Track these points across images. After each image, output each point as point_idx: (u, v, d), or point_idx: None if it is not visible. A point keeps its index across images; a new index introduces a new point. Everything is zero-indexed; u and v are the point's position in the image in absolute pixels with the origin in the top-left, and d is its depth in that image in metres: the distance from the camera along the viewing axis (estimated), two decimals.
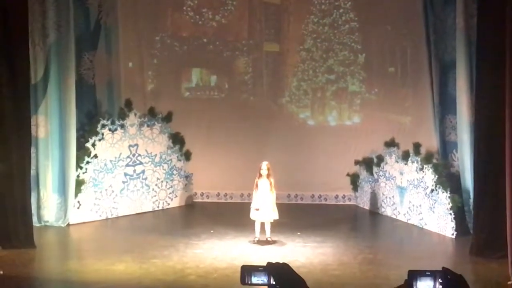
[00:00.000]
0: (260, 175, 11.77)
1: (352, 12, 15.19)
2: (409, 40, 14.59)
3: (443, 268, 3.31)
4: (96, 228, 13.12)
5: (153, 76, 15.58)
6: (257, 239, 11.74)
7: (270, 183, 11.71)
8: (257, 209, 11.68)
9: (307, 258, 10.91)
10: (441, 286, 3.27)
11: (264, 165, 11.80)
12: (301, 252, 11.30)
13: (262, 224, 11.77)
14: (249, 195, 13.96)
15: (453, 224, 12.25)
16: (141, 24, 15.14)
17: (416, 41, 14.10)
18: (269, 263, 3.21)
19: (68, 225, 13.00)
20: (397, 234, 12.98)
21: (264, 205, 11.66)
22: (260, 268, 3.26)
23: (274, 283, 3.26)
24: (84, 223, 13.18)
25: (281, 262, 3.31)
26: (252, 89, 15.76)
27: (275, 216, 11.78)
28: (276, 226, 11.86)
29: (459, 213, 12.28)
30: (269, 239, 11.77)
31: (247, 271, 3.31)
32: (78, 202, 13.24)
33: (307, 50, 15.42)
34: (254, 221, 11.80)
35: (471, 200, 11.84)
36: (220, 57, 15.56)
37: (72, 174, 13.04)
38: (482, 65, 11.02)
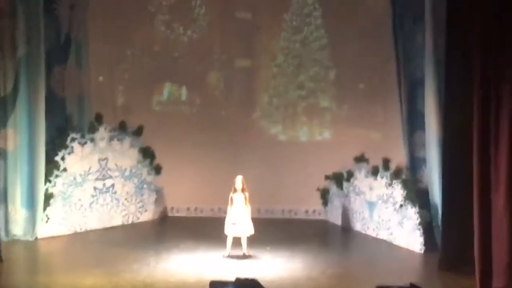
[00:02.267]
0: (235, 190, 11.79)
1: (323, 29, 15.29)
2: (379, 56, 14.69)
3: (410, 283, 3.35)
4: (65, 242, 13.01)
5: (123, 90, 15.51)
6: (228, 254, 11.71)
7: (245, 197, 11.74)
8: (233, 224, 11.68)
9: (276, 273, 10.90)
10: None
11: (239, 179, 11.82)
12: (270, 267, 11.29)
13: (236, 239, 11.75)
14: (220, 209, 13.92)
15: (421, 239, 12.33)
16: (112, 38, 15.07)
17: (385, 58, 14.19)
18: (237, 279, 3.23)
19: (37, 239, 12.90)
20: (366, 249, 13.01)
21: (239, 220, 11.67)
22: (228, 284, 3.27)
23: None
24: (52, 237, 13.07)
25: (250, 277, 3.32)
26: (223, 104, 15.76)
27: (251, 230, 11.79)
28: (246, 240, 11.83)
29: (427, 228, 12.36)
30: (245, 253, 11.76)
31: (216, 287, 3.32)
32: (47, 216, 13.13)
33: (278, 66, 15.47)
34: (226, 236, 11.76)
35: (440, 216, 11.92)
36: (191, 72, 15.54)
37: (41, 187, 12.94)
38: (450, 82, 11.15)
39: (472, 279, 9.99)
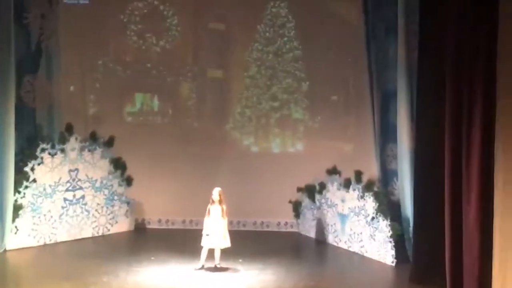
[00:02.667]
0: (213, 201, 11.78)
1: (296, 41, 15.36)
2: (352, 69, 14.79)
3: None
4: (34, 254, 12.88)
5: (95, 100, 15.43)
6: (199, 266, 11.67)
7: (222, 210, 11.73)
8: (207, 235, 11.65)
9: (248, 285, 10.89)
10: None
11: (216, 191, 11.82)
12: (243, 279, 11.28)
13: (211, 251, 11.73)
14: (192, 222, 13.89)
15: (393, 252, 12.38)
16: (84, 48, 15.01)
17: (358, 70, 14.28)
18: None
19: (5, 250, 12.77)
20: (338, 262, 13.03)
21: (214, 232, 11.64)
22: None
23: None
24: (21, 248, 12.95)
25: None
26: (196, 115, 15.75)
27: (227, 243, 11.76)
28: (219, 252, 11.81)
29: (399, 241, 12.42)
30: (217, 265, 11.73)
31: None
32: (16, 227, 13.00)
33: (251, 77, 15.50)
34: (200, 248, 11.72)
35: (411, 228, 11.98)
36: (163, 83, 15.51)
37: (10, 198, 12.81)
38: (422, 95, 11.23)
39: None
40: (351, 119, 14.92)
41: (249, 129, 15.63)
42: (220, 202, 11.77)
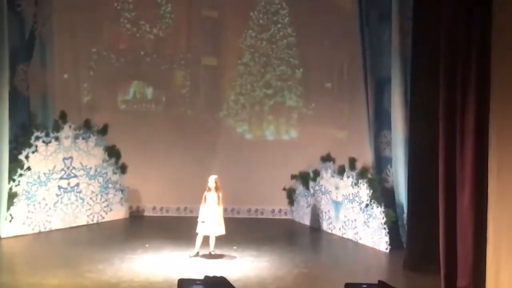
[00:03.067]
0: (209, 189, 11.80)
1: (290, 27, 15.32)
2: (346, 55, 14.76)
3: (379, 281, 3.38)
4: (29, 241, 12.89)
5: (89, 88, 15.38)
6: (194, 253, 11.70)
7: (218, 197, 11.75)
8: (202, 222, 11.68)
9: (243, 272, 10.93)
10: None
11: (212, 178, 11.84)
12: (237, 266, 11.31)
13: (206, 238, 11.75)
14: (186, 209, 13.94)
15: (387, 238, 12.43)
16: (77, 36, 14.93)
17: (352, 57, 14.27)
18: (206, 277, 3.23)
19: (0, 238, 12.75)
20: (332, 249, 13.08)
21: (210, 219, 11.67)
22: (197, 282, 3.27)
23: None
24: (16, 236, 12.94)
25: (218, 275, 3.32)
26: (189, 102, 15.71)
27: (221, 231, 11.78)
28: (214, 239, 11.84)
29: (393, 227, 12.46)
30: (212, 252, 11.77)
31: (184, 284, 3.32)
32: (10, 215, 12.99)
33: (245, 65, 15.46)
34: (195, 235, 11.75)
35: (405, 215, 12.03)
36: (157, 70, 15.46)
37: (5, 186, 12.80)
38: (416, 81, 11.24)
39: (437, 278, 10.08)
40: (345, 106, 14.89)
41: (243, 117, 15.60)
42: (216, 189, 11.79)
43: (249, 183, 14.89)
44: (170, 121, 15.37)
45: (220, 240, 12.02)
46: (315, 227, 14.26)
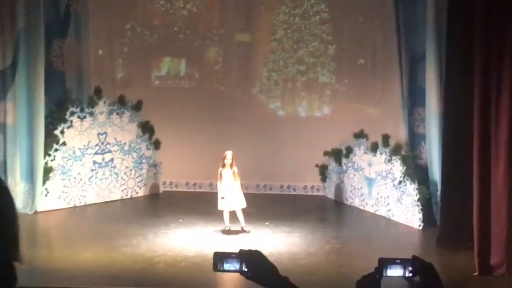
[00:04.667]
0: (224, 165, 11.79)
1: (323, 3, 15.21)
2: (380, 31, 14.66)
3: (412, 256, 3.35)
4: (64, 216, 13.04)
5: (123, 64, 15.49)
6: (227, 228, 11.76)
7: (233, 172, 11.76)
8: (222, 198, 11.72)
9: (275, 248, 10.95)
10: (411, 274, 3.32)
11: (229, 154, 11.82)
12: (269, 242, 11.35)
13: (232, 214, 11.80)
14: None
15: (420, 215, 12.36)
16: (112, 12, 15.02)
17: (386, 32, 14.16)
18: (241, 250, 3.23)
19: (36, 212, 12.91)
20: (364, 225, 13.07)
21: (229, 194, 11.69)
22: (232, 255, 3.27)
23: (246, 269, 3.27)
24: (52, 210, 13.10)
25: (253, 249, 3.32)
26: (222, 79, 15.72)
27: (242, 204, 11.80)
28: (245, 215, 11.88)
29: (426, 204, 12.39)
30: (244, 228, 11.79)
31: (219, 258, 3.32)
32: (46, 189, 13.15)
33: (278, 41, 15.42)
34: (222, 212, 11.82)
35: (438, 192, 11.96)
36: (190, 46, 15.48)
37: (40, 161, 12.95)
38: (451, 57, 11.11)
39: (470, 256, 10.04)
40: (378, 82, 14.83)
41: (276, 93, 15.59)
42: (231, 165, 11.80)
43: (282, 160, 14.90)
44: (203, 97, 15.38)
45: (252, 216, 12.06)
46: (347, 204, 14.26)
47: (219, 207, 11.80)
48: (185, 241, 11.27)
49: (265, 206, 13.27)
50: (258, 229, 11.98)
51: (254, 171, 13.94)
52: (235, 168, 11.77)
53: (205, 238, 11.43)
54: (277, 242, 11.36)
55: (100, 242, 11.07)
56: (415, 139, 13.35)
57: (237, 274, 3.33)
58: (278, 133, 15.11)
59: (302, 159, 14.82)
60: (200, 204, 13.74)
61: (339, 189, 14.58)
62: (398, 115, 13.58)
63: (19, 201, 12.84)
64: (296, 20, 15.35)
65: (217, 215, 12.14)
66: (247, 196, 12.03)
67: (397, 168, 12.88)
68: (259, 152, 14.62)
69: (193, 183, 15.30)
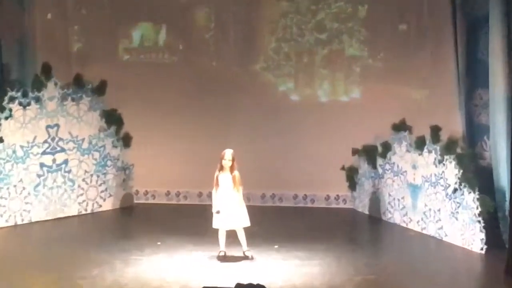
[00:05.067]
0: (222, 168, 11.67)
1: None
2: None
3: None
4: (2, 237, 13.00)
5: (80, 32, 15.46)
6: (223, 253, 11.70)
7: (234, 178, 11.62)
8: (217, 212, 11.63)
9: (287, 280, 10.87)
10: None
11: (228, 154, 11.66)
12: (280, 272, 11.28)
13: (231, 234, 11.72)
14: (210, 195, 13.94)
15: (482, 235, 12.31)
16: None
17: None
18: (239, 285, 3.22)
19: None
20: (408, 248, 13.01)
21: (227, 207, 11.60)
22: None
23: None
24: None
25: (255, 284, 3.32)
26: (215, 51, 15.74)
27: (245, 221, 11.70)
28: (247, 236, 11.82)
29: (490, 220, 12.35)
30: (246, 253, 11.72)
31: None
32: None
33: (290, 0, 15.42)
34: (217, 231, 11.76)
35: (507, 203, 11.93)
36: (172, 8, 15.48)
37: None
38: None
39: None
40: (426, 56, 14.78)
41: (287, 70, 15.63)
42: (232, 168, 11.66)
43: (296, 161, 14.93)
44: (190, 77, 15.42)
45: (256, 236, 11.98)
46: (385, 220, 14.25)
47: (214, 225, 11.73)
48: (165, 271, 11.19)
49: (274, 223, 13.21)
50: (264, 255, 11.90)
51: (259, 176, 13.92)
52: (236, 173, 11.64)
53: (192, 268, 11.36)
54: (290, 272, 11.27)
55: (50, 273, 10.99)
56: (476, 131, 13.37)
57: None
58: (290, 125, 15.16)
59: (323, 160, 14.85)
60: (185, 221, 13.68)
61: (373, 200, 14.57)
62: (453, 99, 13.60)
63: None
64: None
65: (209, 235, 12.07)
66: (250, 210, 11.93)
67: (451, 171, 12.84)
68: (265, 151, 14.62)
69: (176, 192, 15.33)
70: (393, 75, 15.08)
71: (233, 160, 11.63)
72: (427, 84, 14.73)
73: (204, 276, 10.92)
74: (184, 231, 13.02)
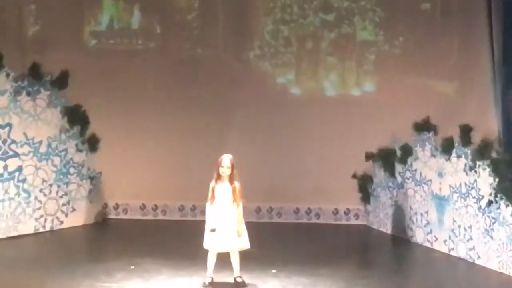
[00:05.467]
0: (219, 177, 11.56)
1: None
2: None
3: None
4: None
5: (37, 12, 15.42)
6: (209, 280, 11.60)
7: (234, 190, 11.52)
8: (212, 230, 11.50)
9: None
10: None
11: (226, 160, 11.54)
12: None
13: (223, 258, 11.62)
14: (195, 208, 13.86)
15: None
16: None
17: None
18: None
19: None
20: (433, 274, 12.96)
21: (224, 225, 11.49)
22: None
23: None
24: None
25: None
26: (199, 35, 15.76)
27: (244, 243, 11.60)
28: (240, 258, 11.75)
29: None
30: (238, 279, 11.61)
31: None
32: None
33: None
34: (205, 253, 11.64)
35: None
36: None
37: None
38: None
39: None
40: (454, 39, 14.83)
41: (287, 59, 15.68)
42: (232, 178, 11.57)
43: (297, 168, 14.98)
44: (169, 66, 15.45)
45: (250, 258, 11.91)
46: (405, 239, 14.24)
47: (206, 245, 11.60)
48: None
49: (271, 242, 13.16)
50: (259, 281, 11.80)
51: (252, 186, 13.69)
52: (237, 184, 11.55)
53: None
54: None
55: None
56: None
57: None
58: (291, 124, 15.22)
59: (330, 167, 14.94)
60: (164, 240, 13.68)
61: (390, 215, 14.62)
62: (486, 93, 13.62)
63: None
64: None
65: (193, 257, 12.03)
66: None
67: (485, 180, 12.80)
68: (261, 156, 14.62)
69: (152, 206, 15.37)
70: (414, 64, 15.13)
71: (232, 167, 11.49)
72: (455, 75, 14.77)
73: None
74: (163, 252, 12.97)
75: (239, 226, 11.56)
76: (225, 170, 11.42)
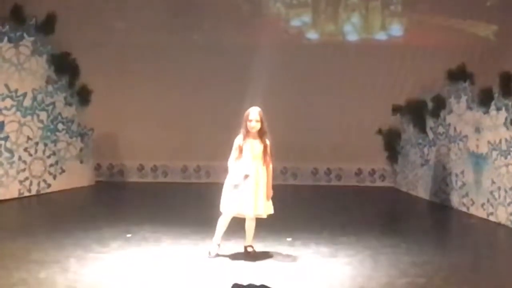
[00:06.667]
0: (247, 132, 11.39)
1: None
2: None
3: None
4: None
5: None
6: (215, 248, 11.49)
7: (265, 148, 11.33)
8: (246, 177, 11.31)
9: (305, 280, 10.77)
10: None
11: (255, 113, 11.30)
12: (293, 273, 11.13)
13: (233, 223, 11.54)
14: (198, 170, 13.82)
15: None
16: None
17: None
18: (236, 285, 2.99)
19: None
20: (469, 242, 12.92)
21: (251, 186, 11.33)
22: None
23: None
24: None
25: (258, 284, 3.10)
26: None
27: (269, 209, 11.40)
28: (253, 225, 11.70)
29: None
30: (249, 249, 11.55)
31: None
32: None
33: None
34: (216, 217, 11.52)
35: None
36: None
37: None
38: None
39: None
40: None
41: (303, 1, 15.55)
42: (261, 133, 11.41)
43: (314, 124, 15.09)
44: (168, 6, 15.50)
45: (261, 225, 11.82)
46: (437, 202, 14.25)
47: (223, 208, 11.43)
48: (135, 272, 11.07)
49: (286, 207, 13.06)
50: (272, 250, 11.75)
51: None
52: (267, 140, 11.39)
53: (173, 267, 11.23)
54: (309, 271, 11.13)
55: None
56: None
57: None
58: (306, 74, 15.31)
59: (351, 122, 15.04)
60: (165, 205, 13.73)
61: (420, 176, 14.64)
62: None
63: None
64: None
65: (196, 224, 12.05)
66: None
67: None
68: (272, 110, 14.44)
69: (151, 167, 15.48)
70: (447, 4, 15.09)
71: (261, 121, 11.35)
72: (494, 16, 14.70)
73: (189, 277, 10.78)
74: (163, 219, 12.98)
75: (269, 189, 11.48)
76: (254, 124, 11.17)
